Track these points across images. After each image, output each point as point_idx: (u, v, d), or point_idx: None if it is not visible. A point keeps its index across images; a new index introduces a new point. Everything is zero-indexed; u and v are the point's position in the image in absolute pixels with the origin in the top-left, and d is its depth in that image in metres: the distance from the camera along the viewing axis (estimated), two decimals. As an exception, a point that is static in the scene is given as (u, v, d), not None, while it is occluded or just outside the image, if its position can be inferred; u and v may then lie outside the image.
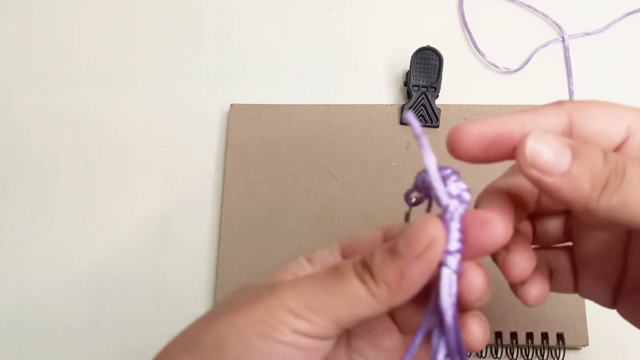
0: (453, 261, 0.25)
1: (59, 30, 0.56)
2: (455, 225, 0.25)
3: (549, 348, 0.43)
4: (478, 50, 0.53)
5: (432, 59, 0.50)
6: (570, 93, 0.52)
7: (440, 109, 0.50)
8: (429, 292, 0.27)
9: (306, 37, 0.55)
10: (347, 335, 0.30)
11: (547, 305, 0.44)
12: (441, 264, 0.25)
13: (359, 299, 0.25)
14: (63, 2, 0.57)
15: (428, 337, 0.27)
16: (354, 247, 0.31)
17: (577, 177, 0.23)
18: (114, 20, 0.56)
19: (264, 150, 0.49)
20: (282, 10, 0.56)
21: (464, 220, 0.25)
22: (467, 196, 0.25)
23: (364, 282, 0.25)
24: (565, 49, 0.53)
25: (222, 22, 0.56)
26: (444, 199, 0.25)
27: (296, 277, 0.27)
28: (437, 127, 0.49)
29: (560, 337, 0.43)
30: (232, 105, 0.51)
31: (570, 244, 0.32)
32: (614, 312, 0.30)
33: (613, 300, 0.30)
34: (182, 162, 0.51)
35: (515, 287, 0.29)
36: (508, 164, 0.28)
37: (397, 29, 0.55)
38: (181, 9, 0.56)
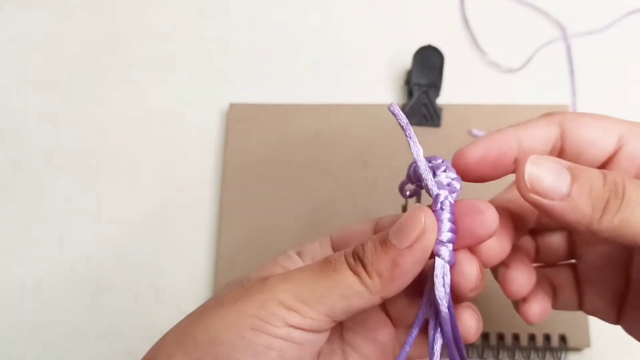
0: (445, 251, 0.25)
1: (57, 30, 0.56)
2: (446, 215, 0.25)
3: (551, 349, 0.43)
4: (480, 49, 0.53)
5: (434, 58, 0.49)
6: (572, 92, 0.51)
7: (441, 108, 0.49)
8: (422, 284, 0.27)
9: (306, 36, 0.55)
10: (341, 329, 0.30)
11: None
12: (434, 255, 0.25)
13: (351, 290, 0.25)
14: (61, 1, 0.57)
15: (424, 329, 0.27)
16: (344, 239, 0.31)
17: (578, 200, 0.23)
18: (112, 19, 0.56)
19: (263, 150, 0.49)
20: (281, 9, 0.56)
21: (455, 209, 0.25)
22: (457, 185, 0.26)
23: (356, 273, 0.25)
24: (567, 48, 0.53)
25: (221, 22, 0.56)
26: (434, 189, 0.25)
27: (287, 270, 0.27)
28: (439, 126, 0.49)
29: (562, 338, 0.43)
30: (231, 104, 0.51)
31: (573, 261, 0.32)
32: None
33: (617, 316, 0.30)
34: (180, 161, 0.51)
35: (517, 304, 0.30)
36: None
37: (398, 28, 0.54)
38: (180, 8, 0.56)
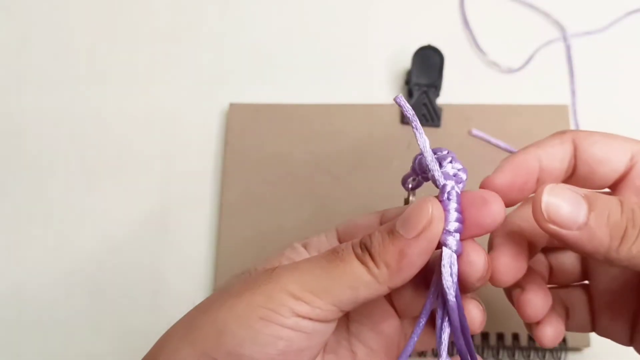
0: (452, 241, 0.25)
1: (57, 28, 0.56)
2: (453, 205, 0.25)
3: (550, 349, 0.43)
4: (479, 49, 0.53)
5: (434, 58, 0.49)
6: (572, 92, 0.51)
7: (441, 108, 0.49)
8: (428, 276, 0.27)
9: (306, 37, 0.54)
10: (347, 321, 0.31)
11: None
12: (441, 245, 0.25)
13: (359, 280, 0.25)
14: (61, 0, 0.57)
15: (429, 320, 0.28)
16: (350, 231, 0.31)
17: (595, 229, 0.23)
18: (112, 18, 0.56)
19: (263, 150, 0.49)
20: (281, 9, 0.56)
21: (461, 200, 0.25)
22: (463, 176, 0.26)
23: (363, 263, 0.25)
24: (567, 48, 0.53)
25: (221, 21, 0.56)
26: (440, 179, 0.25)
27: (294, 261, 0.27)
28: (439, 126, 0.49)
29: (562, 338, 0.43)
30: (231, 104, 0.51)
31: (586, 282, 0.32)
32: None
33: (630, 338, 0.30)
34: (181, 161, 0.51)
35: (531, 326, 0.29)
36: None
37: (398, 28, 0.54)
38: (180, 8, 0.56)
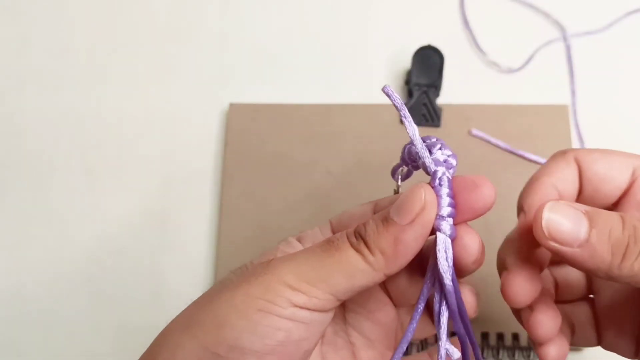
0: (446, 226, 0.25)
1: (57, 28, 0.56)
2: (445, 191, 0.25)
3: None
4: (479, 49, 0.53)
5: (434, 58, 0.49)
6: (572, 92, 0.51)
7: (441, 108, 0.49)
8: (423, 263, 0.27)
9: (306, 36, 0.54)
10: (343, 311, 0.31)
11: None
12: (435, 230, 0.25)
13: (355, 268, 0.25)
14: (61, 1, 0.57)
15: (426, 308, 0.28)
16: (344, 222, 0.31)
17: (596, 246, 0.23)
18: (112, 18, 0.56)
19: (263, 150, 0.49)
20: (281, 9, 0.56)
21: (453, 185, 0.26)
22: (453, 161, 0.26)
23: (359, 251, 0.25)
24: (567, 48, 0.53)
25: (221, 21, 0.55)
26: (431, 166, 0.26)
27: (290, 253, 0.27)
28: (439, 126, 0.49)
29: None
30: (231, 104, 0.51)
31: (591, 296, 0.32)
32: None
33: (635, 351, 0.30)
34: (180, 161, 0.51)
35: (535, 343, 0.29)
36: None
37: (398, 28, 0.54)
38: (180, 8, 0.56)
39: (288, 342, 0.25)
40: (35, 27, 0.56)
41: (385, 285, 0.31)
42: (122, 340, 0.46)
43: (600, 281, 0.31)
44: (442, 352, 0.26)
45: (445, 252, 0.25)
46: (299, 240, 0.31)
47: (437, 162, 0.26)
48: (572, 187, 0.28)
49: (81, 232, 0.49)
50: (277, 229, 0.47)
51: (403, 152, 0.28)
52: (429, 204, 0.25)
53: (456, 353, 0.26)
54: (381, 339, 0.31)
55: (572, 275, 0.31)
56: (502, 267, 0.28)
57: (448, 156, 0.26)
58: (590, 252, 0.23)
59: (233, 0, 0.56)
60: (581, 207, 0.24)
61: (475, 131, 0.49)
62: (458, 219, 0.26)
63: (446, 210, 0.25)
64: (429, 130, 0.48)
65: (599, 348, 0.43)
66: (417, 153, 0.26)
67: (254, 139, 0.49)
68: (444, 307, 0.26)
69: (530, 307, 0.28)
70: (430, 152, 0.26)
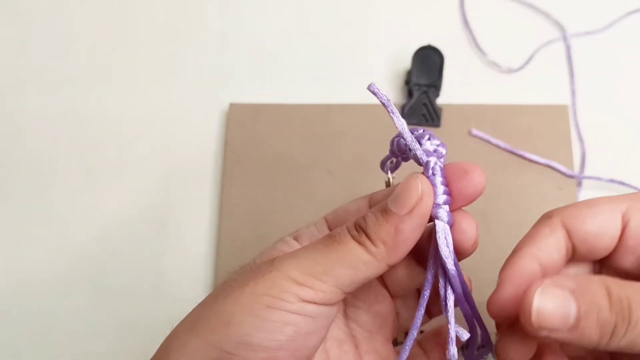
0: (444, 213, 0.26)
1: (57, 28, 0.56)
2: (439, 179, 0.26)
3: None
4: (479, 49, 0.53)
5: (434, 58, 0.49)
6: (572, 92, 0.51)
7: (441, 108, 0.49)
8: (418, 253, 0.28)
9: (306, 36, 0.54)
10: (344, 306, 0.31)
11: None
12: (433, 218, 0.26)
13: (358, 260, 0.26)
14: (61, 1, 0.57)
15: (417, 298, 0.30)
16: (340, 218, 0.31)
17: (585, 330, 0.23)
18: (112, 18, 0.56)
19: (263, 150, 0.49)
20: (281, 9, 0.56)
21: (445, 173, 0.27)
22: (443, 150, 0.27)
23: (361, 243, 0.26)
24: (567, 48, 0.53)
25: (221, 21, 0.55)
26: (423, 157, 0.27)
27: (293, 250, 0.28)
28: (439, 126, 0.49)
29: None
30: (231, 104, 0.51)
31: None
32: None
33: None
34: (180, 161, 0.51)
35: None
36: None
37: (398, 28, 0.54)
38: (180, 7, 0.56)
39: (297, 337, 0.25)
40: (35, 27, 0.56)
41: (382, 277, 0.31)
42: (122, 339, 0.46)
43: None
44: (453, 334, 0.27)
45: (445, 238, 0.26)
46: (296, 239, 0.31)
47: (428, 153, 0.27)
48: (556, 255, 0.28)
49: (81, 232, 0.49)
50: (277, 229, 0.47)
51: (392, 145, 0.29)
52: (426, 194, 0.26)
53: (465, 334, 0.27)
54: (381, 330, 0.32)
55: None
56: (498, 333, 0.28)
57: (437, 146, 0.27)
58: (579, 335, 0.24)
59: (233, 0, 0.56)
60: (568, 282, 0.24)
61: (475, 131, 0.49)
62: (453, 206, 0.27)
63: (442, 198, 0.26)
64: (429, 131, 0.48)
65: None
66: (406, 145, 0.27)
67: (254, 139, 0.49)
68: (449, 292, 0.27)
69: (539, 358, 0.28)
70: (420, 144, 0.27)
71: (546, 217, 0.28)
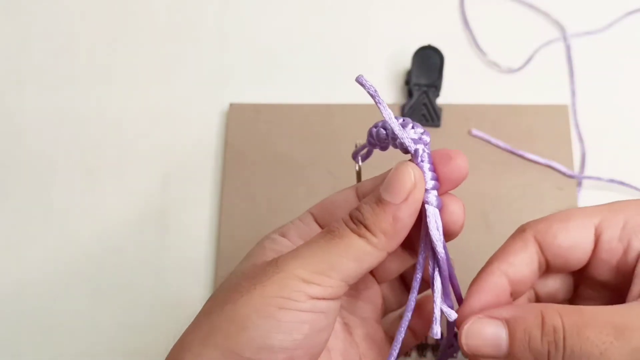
0: (433, 198, 0.27)
1: (57, 28, 0.56)
2: (427, 166, 0.27)
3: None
4: (479, 49, 0.53)
5: (434, 58, 0.49)
6: (572, 92, 0.51)
7: (441, 108, 0.49)
8: (405, 239, 0.29)
9: (306, 36, 0.54)
10: None
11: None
12: (424, 203, 0.27)
13: (361, 251, 0.26)
14: (61, 0, 0.57)
15: (401, 281, 0.32)
16: (328, 210, 0.32)
17: (519, 357, 0.24)
18: (112, 18, 0.56)
19: (263, 150, 0.49)
20: (282, 9, 0.56)
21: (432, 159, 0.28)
22: (427, 138, 0.28)
23: (361, 235, 0.26)
24: (567, 48, 0.53)
25: (221, 21, 0.55)
26: (411, 145, 0.27)
27: (293, 249, 0.28)
28: (439, 126, 0.49)
29: None
30: (231, 104, 0.51)
31: None
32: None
33: None
34: (180, 161, 0.51)
35: None
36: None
37: (398, 28, 0.54)
38: (180, 7, 0.56)
39: (312, 334, 0.26)
40: (35, 26, 0.56)
41: None
42: (122, 339, 0.46)
43: None
44: (437, 313, 0.27)
45: (436, 222, 0.27)
46: (283, 235, 0.31)
47: (415, 141, 0.28)
48: (527, 270, 0.28)
49: (81, 232, 0.49)
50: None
51: (370, 135, 0.30)
52: (420, 180, 0.26)
53: (453, 314, 0.28)
54: (371, 315, 0.32)
55: None
56: None
57: (422, 134, 0.28)
58: None
59: (233, 0, 0.56)
60: (503, 313, 0.25)
61: (475, 131, 0.49)
62: (440, 191, 0.28)
63: (430, 183, 0.27)
64: (429, 131, 0.48)
65: None
66: (389, 135, 0.28)
67: (254, 139, 0.49)
68: (436, 273, 0.28)
69: None
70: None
71: (520, 231, 0.29)
